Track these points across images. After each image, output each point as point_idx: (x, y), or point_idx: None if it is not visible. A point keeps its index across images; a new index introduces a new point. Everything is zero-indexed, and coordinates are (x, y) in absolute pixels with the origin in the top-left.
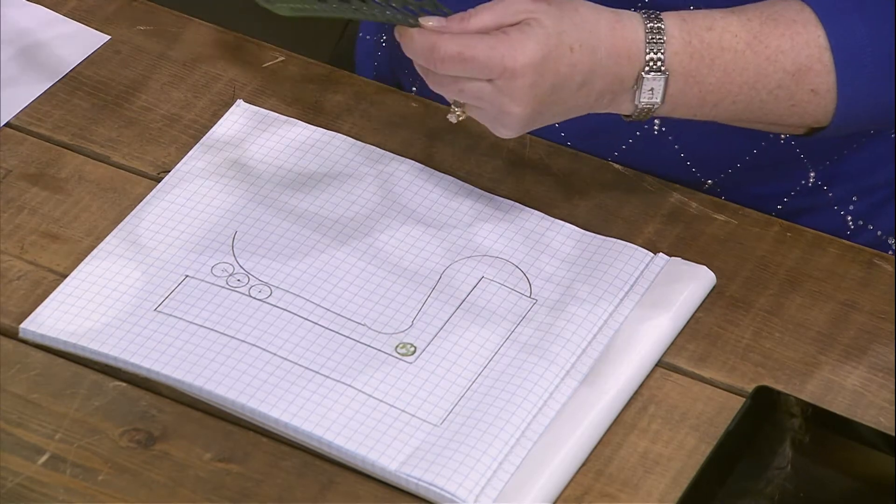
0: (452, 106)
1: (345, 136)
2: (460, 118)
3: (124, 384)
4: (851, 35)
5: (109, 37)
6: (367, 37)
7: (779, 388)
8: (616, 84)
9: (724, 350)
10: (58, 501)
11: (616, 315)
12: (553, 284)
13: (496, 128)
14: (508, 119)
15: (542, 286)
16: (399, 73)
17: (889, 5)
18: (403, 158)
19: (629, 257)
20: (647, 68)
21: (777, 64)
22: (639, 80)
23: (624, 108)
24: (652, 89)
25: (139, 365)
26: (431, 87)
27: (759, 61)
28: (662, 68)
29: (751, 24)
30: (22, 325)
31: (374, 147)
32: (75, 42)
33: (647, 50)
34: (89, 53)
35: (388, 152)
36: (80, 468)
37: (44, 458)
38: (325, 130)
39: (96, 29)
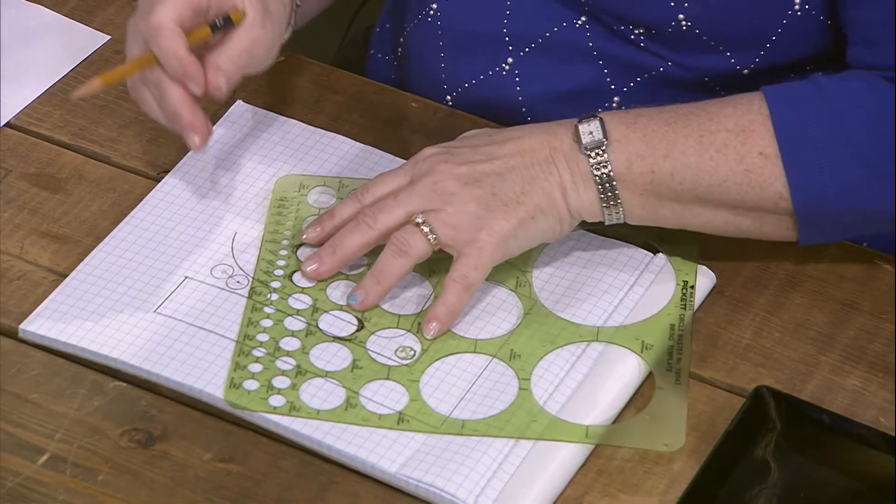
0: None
1: (344, 137)
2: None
3: (124, 384)
4: (795, 106)
5: (109, 37)
6: (379, 55)
7: (779, 388)
8: (547, 133)
9: (724, 350)
10: (58, 501)
11: (616, 315)
12: (553, 285)
13: (459, 227)
14: (445, 184)
15: (543, 286)
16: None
17: (851, 95)
18: (403, 160)
19: (629, 257)
20: (579, 119)
21: (719, 123)
22: (575, 130)
23: (573, 159)
24: (591, 132)
25: (139, 367)
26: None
27: (700, 120)
28: (596, 115)
29: (697, 102)
30: (21, 326)
31: (373, 148)
32: (75, 42)
33: (578, 119)
34: (89, 53)
35: (387, 154)
36: (81, 468)
37: (44, 458)
38: (324, 132)
39: (96, 29)
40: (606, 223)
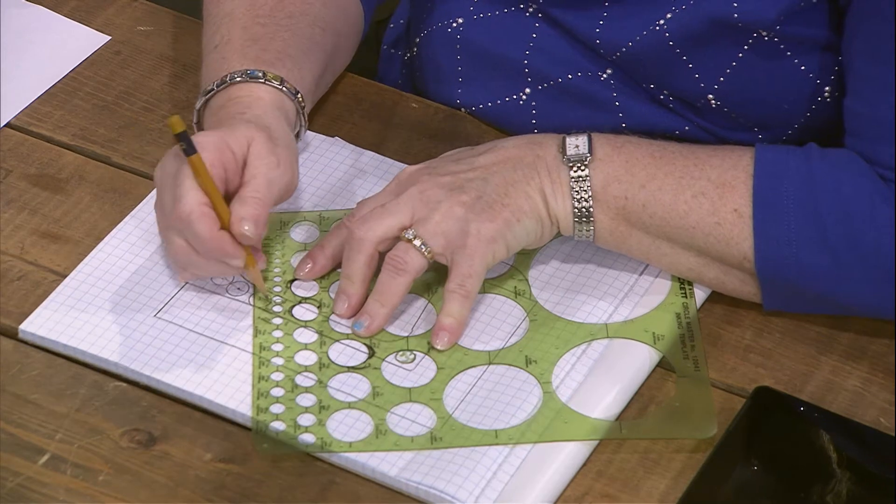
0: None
1: (344, 142)
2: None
3: (124, 384)
4: (779, 174)
5: (109, 37)
6: (392, 50)
7: (779, 388)
8: (532, 142)
9: (724, 350)
10: (58, 502)
11: (616, 316)
12: (553, 286)
13: (448, 230)
14: (431, 192)
15: (542, 288)
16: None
17: (836, 181)
18: (403, 165)
19: (629, 258)
20: (569, 132)
21: (703, 171)
22: (562, 141)
23: (555, 169)
24: (577, 146)
25: (139, 371)
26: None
27: (686, 162)
28: (586, 131)
29: (689, 144)
30: (21, 326)
31: (373, 153)
32: (75, 42)
33: (565, 135)
34: (89, 53)
35: (387, 158)
36: (81, 468)
37: (44, 458)
38: (324, 136)
39: (96, 29)
40: (576, 238)
